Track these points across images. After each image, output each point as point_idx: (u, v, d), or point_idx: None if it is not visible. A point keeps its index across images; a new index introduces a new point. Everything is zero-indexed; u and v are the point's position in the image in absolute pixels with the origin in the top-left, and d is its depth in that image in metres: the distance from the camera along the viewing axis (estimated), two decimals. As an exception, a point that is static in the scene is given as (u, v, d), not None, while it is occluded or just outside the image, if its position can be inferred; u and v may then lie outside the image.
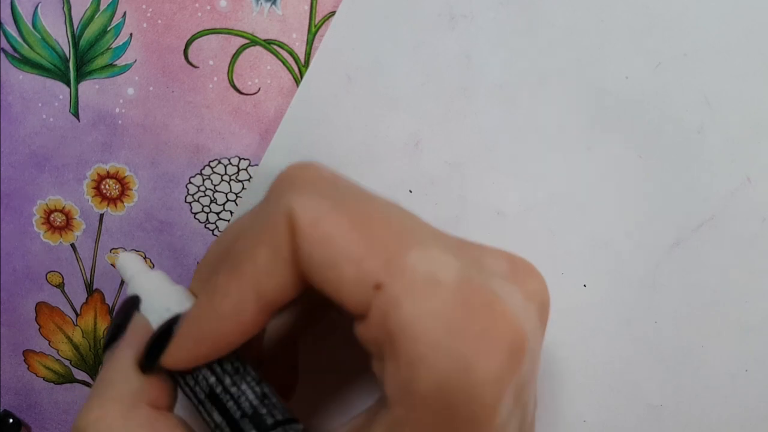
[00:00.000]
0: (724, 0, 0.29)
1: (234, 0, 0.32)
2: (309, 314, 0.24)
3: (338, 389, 0.33)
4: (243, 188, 0.33)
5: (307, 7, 0.32)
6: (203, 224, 0.34)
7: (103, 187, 0.34)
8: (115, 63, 0.33)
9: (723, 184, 0.30)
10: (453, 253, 0.22)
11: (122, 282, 0.35)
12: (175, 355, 0.24)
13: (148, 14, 0.32)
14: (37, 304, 0.35)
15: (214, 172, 0.33)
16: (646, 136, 0.30)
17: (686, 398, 0.31)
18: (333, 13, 0.32)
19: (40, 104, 0.33)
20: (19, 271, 0.35)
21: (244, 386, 0.24)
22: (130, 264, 0.27)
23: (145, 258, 0.34)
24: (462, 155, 0.31)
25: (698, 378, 0.31)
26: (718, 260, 0.30)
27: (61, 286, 0.35)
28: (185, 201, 0.34)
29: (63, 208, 0.34)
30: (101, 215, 0.34)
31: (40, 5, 0.33)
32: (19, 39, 0.33)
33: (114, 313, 0.27)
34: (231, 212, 0.33)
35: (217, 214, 0.34)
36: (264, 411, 0.23)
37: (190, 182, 0.33)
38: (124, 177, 0.34)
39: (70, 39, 0.33)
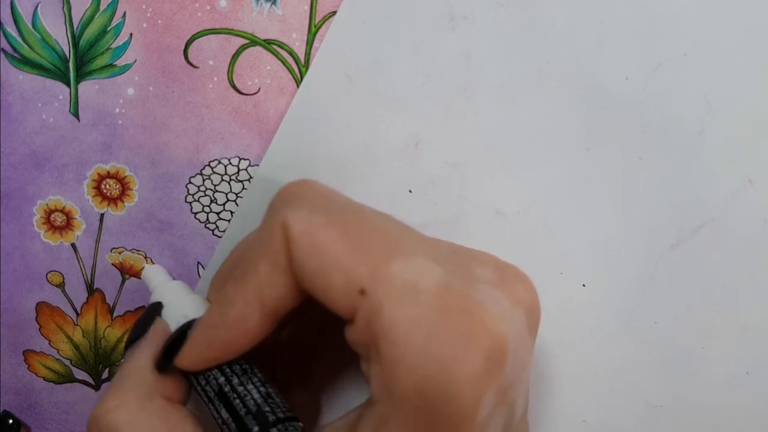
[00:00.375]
0: (725, 0, 0.29)
1: (234, 0, 0.32)
2: (324, 317, 0.25)
3: (346, 385, 0.33)
4: (243, 188, 0.33)
5: (307, 7, 0.32)
6: (203, 224, 0.34)
7: (103, 187, 0.34)
8: (115, 63, 0.33)
9: (723, 185, 0.30)
10: (439, 261, 0.23)
11: (122, 282, 0.35)
12: (187, 357, 0.26)
13: (148, 14, 0.32)
14: (37, 304, 0.35)
15: (214, 172, 0.33)
16: (646, 136, 0.30)
17: (686, 399, 0.31)
18: (333, 13, 0.32)
19: (40, 104, 0.33)
20: (19, 271, 0.35)
21: (250, 386, 0.26)
22: (155, 275, 0.30)
23: (145, 258, 0.34)
24: (462, 155, 0.31)
25: (698, 379, 0.31)
26: (718, 261, 0.30)
27: (61, 285, 0.35)
28: (185, 201, 0.34)
29: (63, 208, 0.34)
30: (101, 215, 0.34)
31: (40, 5, 0.33)
32: (19, 39, 0.33)
33: (139, 317, 0.29)
34: (231, 212, 0.34)
35: (217, 214, 0.34)
36: (267, 409, 0.25)
37: (190, 182, 0.33)
38: (125, 177, 0.34)
39: (70, 39, 0.33)
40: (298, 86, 0.32)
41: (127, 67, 0.33)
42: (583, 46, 0.30)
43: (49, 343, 0.36)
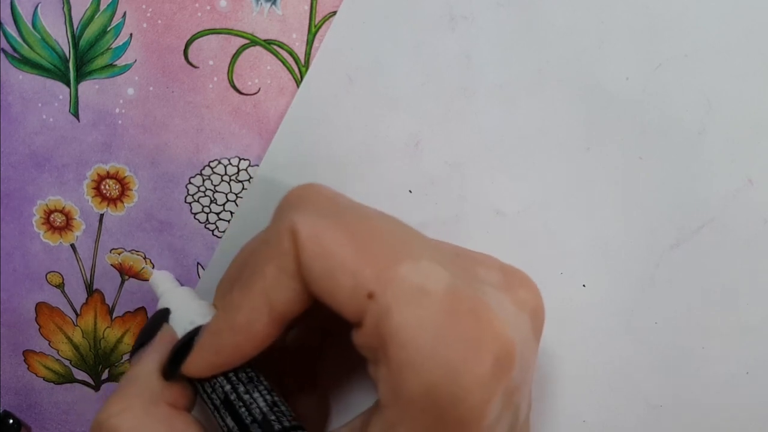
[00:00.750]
0: (725, 0, 0.29)
1: (234, 0, 0.32)
2: (330, 321, 0.26)
3: (353, 390, 0.33)
4: (243, 188, 0.33)
5: (307, 7, 0.32)
6: (203, 224, 0.34)
7: (103, 187, 0.34)
8: (115, 63, 0.33)
9: (724, 185, 0.30)
10: (445, 264, 0.23)
11: (122, 282, 0.35)
12: (194, 364, 0.26)
13: (148, 14, 0.32)
14: (37, 304, 0.35)
15: (214, 172, 0.33)
16: (646, 136, 0.30)
17: (686, 399, 0.31)
18: (333, 13, 0.32)
19: (40, 104, 0.33)
20: (19, 271, 0.35)
21: (255, 394, 0.26)
22: (162, 281, 0.31)
23: (145, 258, 0.34)
24: (462, 155, 0.31)
25: (698, 379, 0.31)
26: (718, 261, 0.30)
27: (61, 286, 0.35)
28: (185, 201, 0.34)
29: (63, 208, 0.34)
30: (101, 215, 0.34)
31: (40, 5, 0.33)
32: (19, 39, 0.33)
33: (146, 323, 0.30)
34: (231, 212, 0.33)
35: (217, 214, 0.34)
36: (273, 418, 0.25)
37: (190, 182, 0.33)
38: (124, 177, 0.34)
39: (70, 39, 0.33)
40: (298, 86, 0.32)
41: (127, 67, 0.33)
42: (583, 46, 0.30)
43: (49, 344, 0.36)
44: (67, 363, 0.36)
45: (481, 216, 0.32)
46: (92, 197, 0.34)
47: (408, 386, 0.22)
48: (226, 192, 0.33)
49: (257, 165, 0.33)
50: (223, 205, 0.34)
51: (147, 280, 0.34)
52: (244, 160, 0.33)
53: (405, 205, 0.32)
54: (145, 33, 0.33)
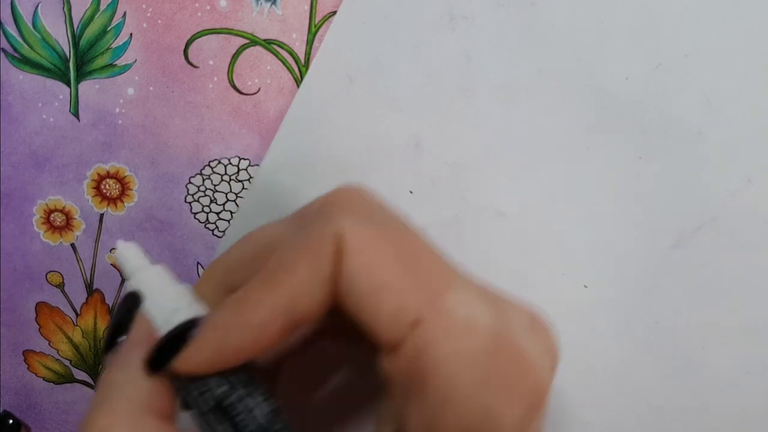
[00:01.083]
0: (725, 0, 0.29)
1: (234, 0, 0.32)
2: (299, 344, 0.25)
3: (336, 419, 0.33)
4: (243, 188, 0.33)
5: (307, 7, 0.32)
6: (203, 224, 0.34)
7: (103, 187, 0.34)
8: (115, 63, 0.33)
9: (723, 185, 0.30)
10: (483, 298, 0.22)
11: (122, 282, 0.35)
12: (191, 359, 0.23)
13: (148, 14, 0.32)
14: (37, 304, 0.35)
15: (214, 172, 0.33)
16: (647, 136, 0.30)
17: (687, 399, 0.31)
18: (333, 13, 0.32)
19: (40, 104, 0.33)
20: (19, 271, 0.35)
21: (256, 399, 0.23)
22: (131, 257, 0.25)
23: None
24: (462, 155, 0.31)
25: (699, 379, 0.31)
26: (718, 261, 0.30)
27: (61, 286, 0.35)
28: (185, 201, 0.34)
29: (63, 208, 0.34)
30: (101, 215, 0.34)
31: (40, 5, 0.33)
32: (19, 39, 0.33)
33: (115, 310, 0.26)
34: (231, 212, 0.33)
35: (217, 214, 0.34)
36: (277, 427, 0.22)
37: (190, 182, 0.33)
38: (124, 177, 0.34)
39: (70, 39, 0.33)
40: (298, 86, 0.32)
41: (127, 67, 0.33)
42: (583, 46, 0.30)
43: (49, 344, 0.36)
44: (67, 363, 0.36)
45: (481, 216, 0.32)
46: (92, 197, 0.34)
47: (445, 423, 0.21)
48: (226, 192, 0.33)
49: (257, 165, 0.33)
50: (223, 204, 0.33)
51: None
52: (244, 159, 0.33)
53: (406, 206, 0.31)
54: (145, 33, 0.33)
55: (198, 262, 0.34)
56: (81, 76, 0.33)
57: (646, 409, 0.31)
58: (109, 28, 0.33)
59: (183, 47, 0.32)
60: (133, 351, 0.24)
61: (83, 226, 0.34)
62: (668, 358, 0.31)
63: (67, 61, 0.33)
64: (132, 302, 0.25)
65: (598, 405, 0.32)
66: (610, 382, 0.31)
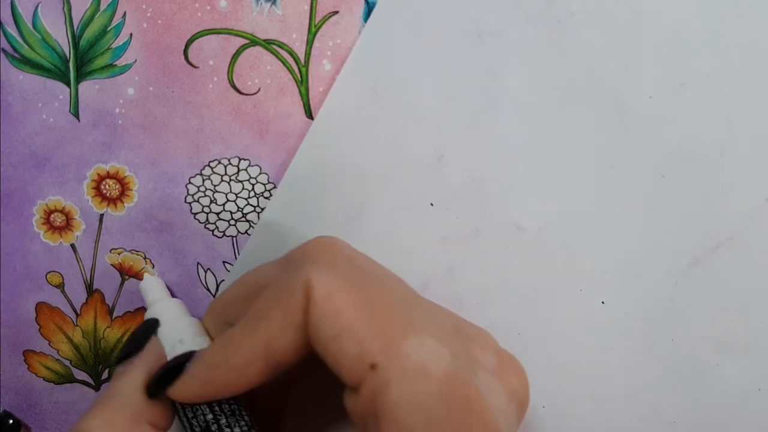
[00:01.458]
0: (747, 23, 0.29)
1: (234, 0, 0.32)
2: (305, 366, 0.26)
3: (312, 425, 0.33)
4: (243, 188, 0.33)
5: (307, 7, 0.32)
6: (203, 224, 0.34)
7: (103, 187, 0.34)
8: (115, 63, 0.33)
9: (743, 204, 0.30)
10: (446, 342, 0.24)
11: (122, 282, 0.35)
12: (182, 390, 0.26)
13: (148, 14, 0.32)
14: (37, 304, 0.35)
15: (214, 172, 0.33)
16: (669, 155, 0.30)
17: (700, 415, 0.31)
18: (333, 13, 0.32)
19: (40, 104, 0.33)
20: (19, 271, 0.35)
21: (236, 429, 0.26)
22: (154, 289, 0.31)
23: (145, 258, 0.34)
24: (484, 170, 0.32)
25: (712, 395, 0.31)
26: (736, 280, 0.30)
27: (61, 286, 0.35)
28: (185, 201, 0.34)
29: (63, 208, 0.34)
30: (101, 215, 0.34)
31: (40, 5, 0.33)
32: (19, 39, 0.33)
33: (133, 331, 0.29)
34: (231, 212, 0.33)
35: (217, 214, 0.34)
36: None
37: (190, 182, 0.33)
38: (124, 177, 0.34)
39: (70, 39, 0.33)
40: (298, 86, 0.32)
41: (127, 67, 0.33)
42: (607, 65, 0.30)
43: (49, 344, 0.36)
44: (67, 363, 0.36)
45: (501, 231, 0.32)
46: (92, 197, 0.34)
47: None
48: (226, 192, 0.33)
49: (257, 165, 0.33)
50: (223, 205, 0.33)
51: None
52: (244, 160, 0.33)
53: (426, 218, 0.32)
54: (145, 33, 0.32)
55: (198, 262, 0.34)
56: (81, 76, 0.33)
57: (661, 425, 0.31)
58: (109, 28, 0.33)
59: (183, 47, 0.32)
60: (139, 368, 0.27)
61: (83, 227, 0.34)
62: (683, 375, 0.31)
63: (67, 61, 0.33)
64: (149, 327, 0.29)
65: (613, 420, 0.32)
66: (624, 397, 0.32)
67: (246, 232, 0.33)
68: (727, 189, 0.30)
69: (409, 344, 0.23)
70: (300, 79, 0.32)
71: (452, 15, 0.31)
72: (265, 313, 0.25)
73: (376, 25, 0.32)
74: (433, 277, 0.32)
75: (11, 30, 0.33)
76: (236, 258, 0.34)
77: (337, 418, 0.32)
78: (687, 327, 0.31)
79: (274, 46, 0.32)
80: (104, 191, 0.34)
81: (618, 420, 0.32)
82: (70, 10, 0.32)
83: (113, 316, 0.35)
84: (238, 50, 0.32)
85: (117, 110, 0.33)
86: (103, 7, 0.32)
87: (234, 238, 0.34)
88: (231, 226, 0.34)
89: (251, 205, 0.33)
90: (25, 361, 0.36)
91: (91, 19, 0.32)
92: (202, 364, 0.26)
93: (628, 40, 0.30)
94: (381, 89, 0.32)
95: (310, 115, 0.33)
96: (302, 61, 0.32)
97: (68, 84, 0.33)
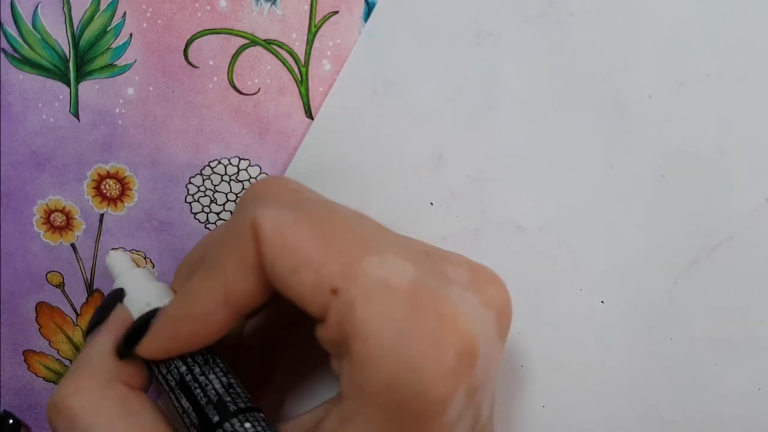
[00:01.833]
0: (747, 23, 0.29)
1: (234, 0, 0.32)
2: (290, 313, 0.25)
3: (310, 381, 0.33)
4: (243, 188, 0.33)
5: (307, 7, 0.32)
6: (203, 224, 0.34)
7: (103, 187, 0.34)
8: (115, 63, 0.33)
9: (742, 203, 0.30)
10: (412, 260, 0.23)
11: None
12: (148, 346, 0.26)
13: (148, 14, 0.32)
14: (37, 304, 0.35)
15: (214, 172, 0.33)
16: (669, 154, 0.30)
17: (700, 415, 0.31)
18: (333, 13, 0.32)
19: (40, 104, 0.33)
20: (19, 271, 0.35)
21: (211, 376, 0.26)
22: (119, 261, 0.31)
23: (145, 258, 0.34)
24: (484, 170, 0.32)
25: (711, 395, 0.31)
26: (735, 279, 0.31)
27: (61, 286, 0.35)
28: (185, 201, 0.34)
29: (63, 208, 0.34)
30: (101, 215, 0.34)
31: (40, 5, 0.33)
32: (19, 39, 0.33)
33: (100, 303, 0.29)
34: (231, 212, 0.33)
35: (217, 214, 0.34)
36: (228, 399, 0.25)
37: (190, 182, 0.33)
38: (124, 177, 0.34)
39: (70, 39, 0.33)
40: (298, 86, 0.32)
41: (127, 67, 0.33)
42: (607, 65, 0.30)
43: (49, 344, 0.36)
44: (67, 363, 0.36)
45: (501, 230, 0.32)
46: (92, 197, 0.34)
47: (369, 380, 0.22)
48: (226, 192, 0.33)
49: (257, 165, 0.33)
50: (223, 205, 0.33)
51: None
52: (244, 160, 0.33)
53: (425, 218, 0.32)
54: (145, 33, 0.33)
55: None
56: (81, 76, 0.33)
57: (659, 424, 0.32)
58: (109, 28, 0.33)
59: (183, 47, 0.32)
60: (106, 335, 0.27)
61: (83, 226, 0.34)
62: (682, 374, 0.31)
63: (67, 61, 0.33)
64: (114, 296, 0.29)
65: (612, 419, 0.32)
66: (624, 397, 0.32)
67: (246, 232, 0.33)
68: (726, 189, 0.30)
69: (368, 263, 0.22)
70: (300, 79, 0.32)
71: (452, 15, 0.31)
72: (218, 260, 0.24)
73: (376, 25, 0.32)
74: (433, 276, 0.32)
75: (11, 30, 0.33)
76: (236, 258, 0.34)
77: (327, 379, 0.32)
78: (686, 327, 0.31)
79: (274, 46, 0.32)
80: (104, 191, 0.34)
81: (618, 420, 0.32)
82: (70, 10, 0.32)
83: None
84: (238, 50, 0.32)
85: (117, 110, 0.33)
86: (103, 7, 0.32)
87: (234, 238, 0.34)
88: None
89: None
90: (25, 361, 0.36)
91: (91, 19, 0.32)
92: (164, 317, 0.26)
93: (628, 40, 0.30)
94: (381, 89, 0.32)
95: (310, 115, 0.33)
96: (302, 61, 0.32)
97: (68, 84, 0.33)
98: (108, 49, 0.33)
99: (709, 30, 0.30)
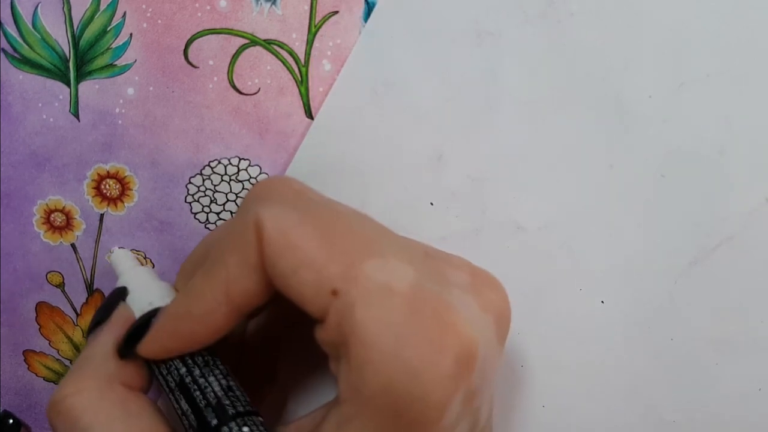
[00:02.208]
0: (747, 23, 0.29)
1: (234, 0, 0.32)
2: (293, 312, 0.25)
3: (313, 381, 0.33)
4: (243, 188, 0.33)
5: (307, 7, 0.32)
6: (203, 224, 0.34)
7: (103, 187, 0.34)
8: (115, 63, 0.33)
9: (742, 204, 0.30)
10: (412, 263, 0.23)
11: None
12: (149, 346, 0.26)
13: (148, 14, 0.32)
14: (37, 304, 0.35)
15: (214, 172, 0.33)
16: (669, 154, 0.30)
17: (700, 415, 0.31)
18: (333, 13, 0.32)
19: (40, 104, 0.33)
20: (19, 271, 0.35)
21: (211, 378, 0.26)
22: (122, 259, 0.31)
23: (145, 258, 0.34)
24: (484, 170, 0.32)
25: (711, 395, 0.31)
26: (735, 279, 0.31)
27: (61, 286, 0.35)
28: (185, 201, 0.34)
29: (63, 208, 0.34)
30: (101, 215, 0.34)
31: (40, 5, 0.33)
32: (19, 39, 0.33)
33: (102, 302, 0.29)
34: (231, 212, 0.33)
35: (217, 214, 0.34)
36: (227, 402, 0.25)
37: (190, 182, 0.33)
38: (124, 177, 0.34)
39: (70, 39, 0.33)
40: (298, 86, 0.32)
41: (127, 67, 0.33)
42: (608, 65, 0.30)
43: (49, 343, 0.36)
44: (67, 363, 0.36)
45: (501, 230, 0.32)
46: (92, 197, 0.34)
47: (367, 383, 0.22)
48: (226, 192, 0.33)
49: (257, 165, 0.33)
50: (223, 205, 0.33)
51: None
52: (244, 160, 0.33)
53: (425, 218, 0.32)
54: (145, 33, 0.33)
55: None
56: (81, 76, 0.33)
57: (659, 424, 0.32)
58: (109, 28, 0.33)
59: (183, 47, 0.32)
60: (108, 334, 0.27)
61: (83, 226, 0.34)
62: (682, 374, 0.31)
63: (67, 61, 0.33)
64: (116, 295, 0.28)
65: (612, 420, 0.32)
66: (625, 396, 0.32)
67: (246, 232, 0.33)
68: (726, 189, 0.30)
69: (369, 266, 0.22)
70: (300, 79, 0.32)
71: (452, 15, 0.31)
72: (220, 259, 0.24)
73: (376, 25, 0.32)
74: (433, 276, 0.32)
75: (11, 30, 0.33)
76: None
77: (330, 380, 0.32)
78: (686, 327, 0.31)
79: (274, 46, 0.32)
80: (104, 191, 0.34)
81: (618, 420, 0.32)
82: (69, 10, 0.32)
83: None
84: (238, 50, 0.32)
85: (117, 110, 0.33)
86: (103, 7, 0.32)
87: (234, 238, 0.34)
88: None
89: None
90: (25, 361, 0.36)
91: (91, 19, 0.32)
92: (166, 317, 0.26)
93: (628, 40, 0.30)
94: (381, 89, 0.32)
95: (310, 115, 0.33)
96: (302, 61, 0.32)
97: (68, 84, 0.33)
98: (108, 49, 0.33)
99: (709, 30, 0.30)
